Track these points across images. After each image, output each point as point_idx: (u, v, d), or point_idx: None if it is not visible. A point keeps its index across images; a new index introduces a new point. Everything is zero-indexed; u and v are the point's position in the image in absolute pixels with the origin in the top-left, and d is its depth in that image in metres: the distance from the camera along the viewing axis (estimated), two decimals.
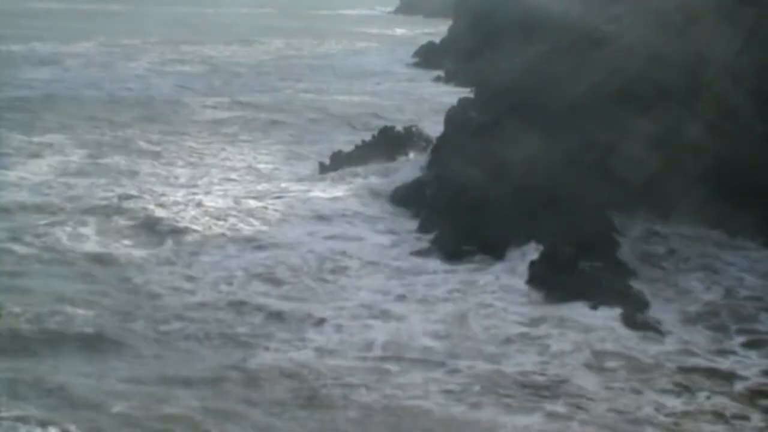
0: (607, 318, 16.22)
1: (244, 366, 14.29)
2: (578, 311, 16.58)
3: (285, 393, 13.52)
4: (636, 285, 17.45)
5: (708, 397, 13.52)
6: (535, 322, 16.24)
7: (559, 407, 13.16)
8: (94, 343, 14.97)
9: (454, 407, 13.22)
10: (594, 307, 16.49)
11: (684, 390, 13.75)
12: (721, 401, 13.43)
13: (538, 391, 13.68)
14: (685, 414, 13.07)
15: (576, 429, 12.67)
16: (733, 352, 15.19)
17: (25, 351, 14.60)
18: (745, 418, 13.00)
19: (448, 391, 13.66)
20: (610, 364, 14.57)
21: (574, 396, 13.46)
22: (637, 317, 16.11)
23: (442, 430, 12.72)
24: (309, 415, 12.94)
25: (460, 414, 13.07)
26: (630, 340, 15.40)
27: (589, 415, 12.96)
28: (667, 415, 12.99)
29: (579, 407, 13.16)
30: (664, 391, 13.65)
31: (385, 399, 13.42)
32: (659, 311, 16.66)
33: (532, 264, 17.99)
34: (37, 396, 13.09)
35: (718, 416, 13.04)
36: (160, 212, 22.13)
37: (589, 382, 13.91)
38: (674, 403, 13.32)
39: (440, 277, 18.57)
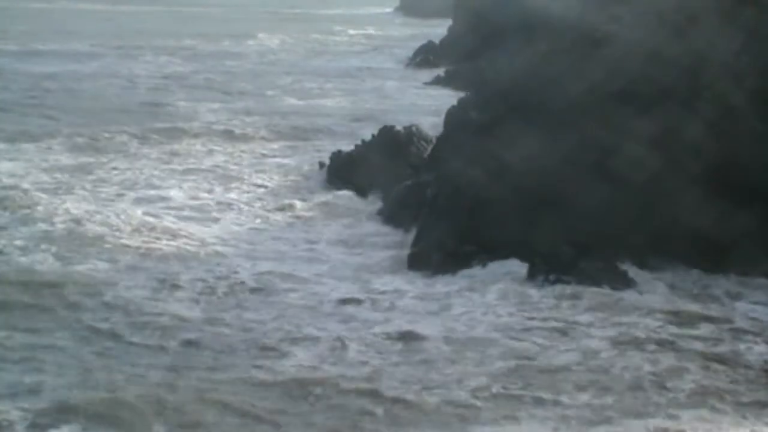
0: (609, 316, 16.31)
1: None
2: (579, 311, 16.63)
3: None
4: (638, 284, 17.53)
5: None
6: (538, 322, 16.25)
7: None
8: None
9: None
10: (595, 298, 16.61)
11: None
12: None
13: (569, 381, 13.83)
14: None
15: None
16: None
17: None
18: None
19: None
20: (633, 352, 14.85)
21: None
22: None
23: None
24: None
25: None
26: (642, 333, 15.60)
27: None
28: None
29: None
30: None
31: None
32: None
33: (532, 265, 17.97)
34: None
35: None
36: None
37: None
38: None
39: (439, 278, 18.60)
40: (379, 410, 13.01)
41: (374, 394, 13.45)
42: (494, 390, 13.60)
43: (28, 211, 22.54)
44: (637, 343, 15.27)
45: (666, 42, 20.42)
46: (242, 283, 18.03)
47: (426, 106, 40.63)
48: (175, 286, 17.76)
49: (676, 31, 20.56)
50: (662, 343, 15.31)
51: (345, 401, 13.27)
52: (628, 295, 17.19)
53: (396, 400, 13.29)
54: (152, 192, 25.18)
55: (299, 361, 14.57)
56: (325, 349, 15.07)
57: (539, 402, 13.27)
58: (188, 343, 15.16)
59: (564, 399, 13.37)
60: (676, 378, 14.01)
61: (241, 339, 15.37)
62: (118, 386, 13.48)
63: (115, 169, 27.79)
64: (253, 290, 17.69)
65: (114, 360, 14.48)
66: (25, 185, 25.13)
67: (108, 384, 13.52)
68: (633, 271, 18.11)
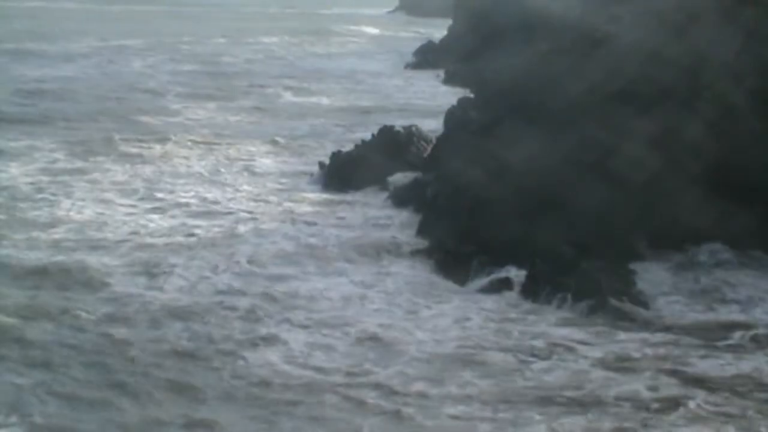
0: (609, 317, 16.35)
1: None
2: (579, 311, 16.63)
3: None
4: (638, 285, 17.51)
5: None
6: (539, 323, 16.23)
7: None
8: None
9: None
10: (597, 308, 16.53)
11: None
12: None
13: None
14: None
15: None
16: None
17: None
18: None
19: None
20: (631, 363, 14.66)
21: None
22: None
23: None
24: None
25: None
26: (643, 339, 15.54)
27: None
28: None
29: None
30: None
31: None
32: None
33: (533, 265, 17.95)
34: None
35: None
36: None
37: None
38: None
39: (440, 278, 18.59)
40: (358, 420, 12.88)
41: (354, 402, 13.36)
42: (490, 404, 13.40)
43: (21, 212, 22.58)
44: (639, 351, 15.13)
45: (666, 42, 20.44)
46: (237, 282, 18.10)
47: (426, 105, 40.62)
48: (169, 281, 17.98)
49: (676, 31, 20.58)
50: (663, 349, 15.30)
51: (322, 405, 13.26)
52: (628, 305, 16.88)
53: (375, 409, 13.18)
54: (149, 191, 25.15)
55: (268, 360, 14.59)
56: (312, 348, 15.13)
57: (527, 424, 12.83)
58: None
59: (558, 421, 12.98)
60: (682, 393, 13.76)
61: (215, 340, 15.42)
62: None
63: (110, 170, 27.70)
64: (247, 290, 17.67)
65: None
66: (20, 186, 25.16)
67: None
68: (633, 272, 18.08)
